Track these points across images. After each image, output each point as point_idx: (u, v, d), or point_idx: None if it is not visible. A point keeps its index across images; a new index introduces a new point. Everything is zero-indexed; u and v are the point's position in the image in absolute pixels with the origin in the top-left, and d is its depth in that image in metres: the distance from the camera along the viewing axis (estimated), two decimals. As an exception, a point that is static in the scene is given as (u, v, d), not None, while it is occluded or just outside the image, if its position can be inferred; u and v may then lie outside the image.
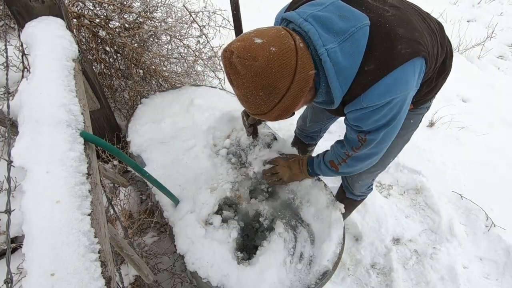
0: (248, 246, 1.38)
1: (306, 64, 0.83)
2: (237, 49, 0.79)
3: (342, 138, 1.18)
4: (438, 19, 1.12)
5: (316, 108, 1.70)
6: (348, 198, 1.67)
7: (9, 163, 0.73)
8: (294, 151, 1.57)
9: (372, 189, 1.66)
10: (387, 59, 0.83)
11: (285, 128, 2.62)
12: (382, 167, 1.45)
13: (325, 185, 1.44)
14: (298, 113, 1.81)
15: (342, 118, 1.78)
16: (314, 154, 2.32)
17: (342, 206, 1.37)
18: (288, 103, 0.86)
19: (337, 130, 2.65)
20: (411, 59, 0.84)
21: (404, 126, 1.26)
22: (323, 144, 2.49)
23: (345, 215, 1.86)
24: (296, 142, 2.00)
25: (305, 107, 1.23)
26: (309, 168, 1.35)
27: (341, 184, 1.71)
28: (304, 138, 1.93)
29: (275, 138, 1.61)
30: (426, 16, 1.02)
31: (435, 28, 1.02)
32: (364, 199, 1.73)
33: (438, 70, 1.08)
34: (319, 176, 1.41)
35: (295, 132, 2.00)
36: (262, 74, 0.79)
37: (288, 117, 0.95)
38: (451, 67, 1.15)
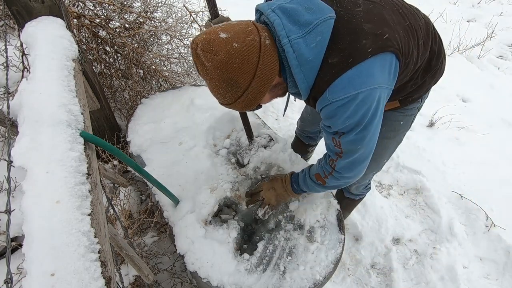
0: (251, 243, 1.38)
1: (269, 61, 0.84)
2: (202, 42, 0.81)
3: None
4: (430, 18, 1.10)
5: (314, 109, 1.70)
6: (347, 197, 1.67)
7: (9, 163, 0.73)
8: (293, 154, 1.57)
9: (370, 188, 1.66)
10: (351, 52, 0.83)
11: (285, 128, 2.62)
12: (377, 169, 1.45)
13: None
14: (298, 113, 1.81)
15: None
16: (315, 154, 2.33)
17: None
18: (251, 96, 0.88)
19: (337, 130, 2.65)
20: (376, 54, 0.84)
21: (394, 127, 1.26)
22: (323, 144, 2.49)
23: (345, 215, 1.86)
24: (297, 142, 2.00)
25: (284, 99, 1.21)
26: (293, 185, 1.30)
27: None
28: (304, 139, 1.94)
29: (271, 139, 1.61)
30: (408, 13, 0.99)
31: (419, 26, 1.00)
32: (363, 198, 1.73)
33: (424, 69, 1.06)
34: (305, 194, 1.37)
35: (295, 132, 2.00)
36: (223, 68, 0.81)
37: (256, 109, 0.99)
38: (443, 67, 1.12)
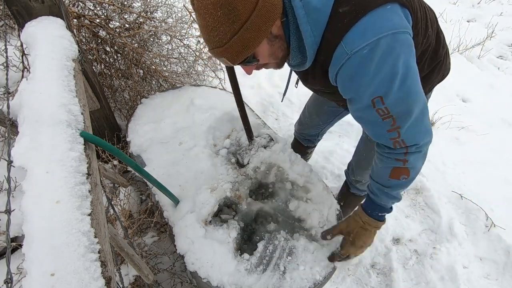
0: (251, 243, 1.38)
1: None
2: None
3: (343, 143, 1.12)
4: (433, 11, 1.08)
5: (312, 112, 1.69)
6: (352, 193, 1.66)
7: (9, 163, 0.73)
8: (293, 154, 1.56)
9: None
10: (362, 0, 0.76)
11: (285, 128, 2.62)
12: None
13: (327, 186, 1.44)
14: (298, 112, 1.81)
15: (340, 122, 1.73)
16: (314, 154, 2.33)
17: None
18: (249, 35, 0.76)
19: (336, 130, 2.65)
20: (389, 2, 0.76)
21: None
22: (323, 144, 2.49)
23: (347, 212, 1.86)
24: (296, 144, 2.00)
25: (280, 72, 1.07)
26: (377, 215, 1.05)
27: (345, 181, 1.71)
28: (303, 141, 1.93)
29: (271, 139, 1.61)
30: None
31: (426, 7, 0.96)
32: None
33: (431, 56, 1.02)
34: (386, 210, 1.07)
35: (294, 134, 2.00)
36: None
37: (251, 63, 0.86)
38: (447, 62, 1.11)
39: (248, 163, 1.52)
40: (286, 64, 0.99)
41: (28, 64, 1.67)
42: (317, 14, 0.78)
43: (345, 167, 1.71)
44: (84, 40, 1.98)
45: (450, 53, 3.76)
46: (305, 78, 1.06)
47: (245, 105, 1.90)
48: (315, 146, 2.03)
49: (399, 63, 0.77)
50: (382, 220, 1.05)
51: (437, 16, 1.07)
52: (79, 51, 1.19)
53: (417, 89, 0.83)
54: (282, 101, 1.70)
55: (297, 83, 1.24)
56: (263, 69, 0.95)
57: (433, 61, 1.05)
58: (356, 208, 1.12)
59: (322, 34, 0.80)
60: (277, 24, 0.80)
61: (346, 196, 1.53)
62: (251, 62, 0.85)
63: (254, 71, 0.93)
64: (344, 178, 1.73)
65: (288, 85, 1.23)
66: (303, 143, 1.94)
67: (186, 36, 2.19)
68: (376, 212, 1.04)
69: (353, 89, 0.84)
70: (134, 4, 2.07)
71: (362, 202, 1.10)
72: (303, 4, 0.77)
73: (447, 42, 3.58)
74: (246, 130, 1.52)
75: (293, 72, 1.16)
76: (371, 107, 0.83)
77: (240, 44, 0.77)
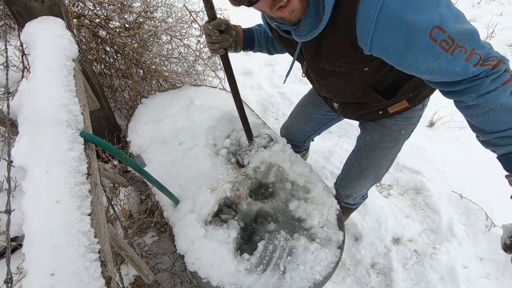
0: (250, 243, 1.38)
1: None
2: None
3: (343, 143, 1.03)
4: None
5: (300, 119, 1.64)
6: (343, 206, 1.65)
7: (9, 163, 0.73)
8: (293, 154, 1.55)
9: (367, 197, 1.65)
10: None
11: (285, 128, 2.62)
12: (376, 180, 1.43)
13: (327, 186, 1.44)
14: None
15: (340, 121, 1.66)
16: (314, 154, 2.32)
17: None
18: None
19: (336, 130, 2.65)
20: None
21: (394, 137, 1.23)
22: (323, 144, 2.49)
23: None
24: None
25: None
26: None
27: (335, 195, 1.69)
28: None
29: (271, 140, 1.60)
30: None
31: None
32: (359, 206, 1.73)
33: None
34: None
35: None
36: None
37: (253, 4, 0.75)
38: None
39: (248, 163, 1.52)
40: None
41: (28, 64, 1.67)
42: None
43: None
44: (84, 40, 1.98)
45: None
46: (317, 55, 0.91)
47: (245, 105, 1.90)
48: (302, 151, 1.94)
49: None
50: None
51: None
52: (79, 51, 1.19)
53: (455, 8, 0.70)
54: (284, 83, 1.55)
55: (303, 73, 1.13)
56: (280, 15, 0.79)
57: None
58: None
59: None
60: None
61: None
62: (253, 3, 0.75)
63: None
64: None
65: (292, 67, 1.10)
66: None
67: (186, 36, 2.19)
68: None
69: (404, 29, 0.67)
70: (134, 4, 2.07)
71: (506, 168, 0.89)
72: None
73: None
74: (245, 131, 1.52)
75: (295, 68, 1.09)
76: (433, 43, 0.67)
77: None
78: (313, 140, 1.88)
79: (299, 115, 1.67)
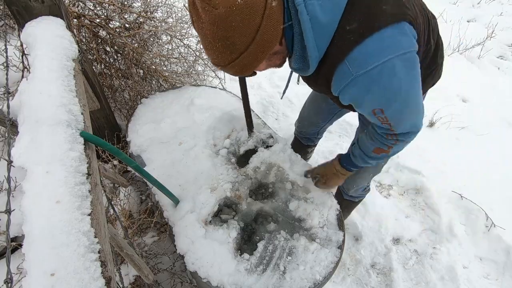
0: (250, 243, 1.38)
1: (272, 26, 0.76)
2: None
3: (343, 143, 1.15)
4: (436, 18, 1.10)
5: (311, 111, 1.70)
6: (346, 199, 1.66)
7: (9, 163, 0.73)
8: (293, 154, 1.56)
9: (369, 189, 1.66)
10: (370, 18, 0.76)
11: (285, 128, 2.62)
12: (375, 171, 1.45)
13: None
14: (298, 112, 1.81)
15: (340, 121, 1.73)
16: (315, 154, 2.33)
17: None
18: (247, 62, 0.79)
19: (337, 130, 2.65)
20: (397, 21, 0.77)
21: None
22: (323, 144, 2.49)
23: (344, 216, 1.86)
24: (296, 143, 2.00)
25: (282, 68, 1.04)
26: (348, 168, 1.25)
27: (338, 187, 1.71)
28: (303, 140, 1.93)
29: (271, 136, 1.61)
30: (422, 3, 0.97)
31: (429, 17, 0.97)
32: (362, 199, 1.73)
33: (427, 65, 1.03)
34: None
35: (294, 133, 2.00)
36: (220, 25, 0.71)
37: (250, 76, 0.91)
38: (441, 67, 1.12)
39: (243, 152, 1.52)
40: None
41: (28, 64, 1.67)
42: (323, 30, 0.78)
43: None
44: (84, 40, 1.98)
45: (450, 53, 3.75)
46: (307, 79, 1.08)
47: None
48: (315, 145, 2.03)
49: (402, 83, 0.80)
50: (351, 171, 1.27)
51: (437, 16, 1.07)
52: (79, 51, 1.19)
53: (418, 100, 0.88)
54: (281, 99, 1.71)
55: (298, 80, 1.26)
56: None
57: (429, 69, 1.07)
58: (333, 161, 1.30)
59: (327, 48, 0.81)
60: (276, 47, 0.82)
61: (339, 202, 1.55)
62: (250, 76, 0.92)
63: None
64: None
65: (288, 84, 1.24)
66: (303, 142, 1.94)
67: (186, 36, 2.19)
68: (350, 166, 1.24)
69: (357, 103, 0.89)
70: (134, 4, 2.07)
71: (341, 154, 1.28)
72: (310, 18, 0.77)
73: (447, 43, 3.59)
74: (247, 122, 1.51)
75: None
76: (372, 114, 0.90)
77: (238, 68, 0.81)
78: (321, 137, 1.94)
79: (310, 108, 1.71)
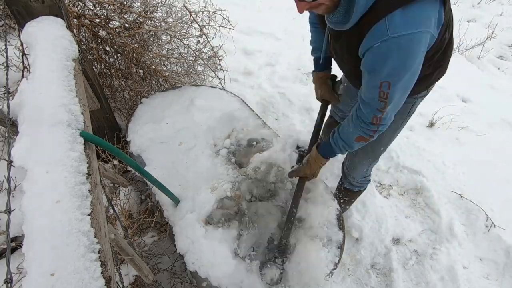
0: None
1: None
2: None
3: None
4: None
5: (343, 93, 1.69)
6: (346, 188, 1.66)
7: (9, 163, 0.73)
8: (293, 154, 1.56)
9: (369, 180, 1.66)
10: None
11: (285, 128, 2.62)
12: (374, 156, 1.46)
13: (326, 185, 1.44)
14: (298, 113, 1.81)
15: None
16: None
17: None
18: None
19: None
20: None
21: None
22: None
23: (344, 208, 1.86)
24: (332, 122, 1.94)
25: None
26: (326, 154, 1.27)
27: (340, 178, 1.71)
28: (337, 118, 1.89)
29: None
30: None
31: (451, 13, 1.00)
32: (362, 190, 1.72)
33: (438, 58, 1.05)
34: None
35: (330, 112, 1.95)
36: None
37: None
38: (447, 65, 1.13)
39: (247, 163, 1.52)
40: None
41: (28, 64, 1.67)
42: None
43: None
44: (84, 40, 1.98)
45: (450, 53, 3.71)
46: (338, 36, 1.08)
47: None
48: None
49: (416, 60, 0.85)
50: (327, 158, 1.30)
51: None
52: (79, 51, 1.19)
53: (412, 86, 0.93)
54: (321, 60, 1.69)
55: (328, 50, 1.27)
56: (307, 12, 1.01)
57: (439, 62, 1.08)
58: (314, 152, 1.30)
59: (372, 4, 0.84)
60: None
61: (339, 191, 1.57)
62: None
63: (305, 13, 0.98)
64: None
65: (327, 44, 1.25)
66: (339, 121, 1.88)
67: (186, 36, 2.19)
68: (327, 155, 1.27)
69: (375, 67, 0.90)
70: (134, 4, 2.07)
71: (320, 144, 1.29)
72: None
73: (448, 42, 3.59)
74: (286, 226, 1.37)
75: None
76: (377, 87, 0.92)
77: None
78: None
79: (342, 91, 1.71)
